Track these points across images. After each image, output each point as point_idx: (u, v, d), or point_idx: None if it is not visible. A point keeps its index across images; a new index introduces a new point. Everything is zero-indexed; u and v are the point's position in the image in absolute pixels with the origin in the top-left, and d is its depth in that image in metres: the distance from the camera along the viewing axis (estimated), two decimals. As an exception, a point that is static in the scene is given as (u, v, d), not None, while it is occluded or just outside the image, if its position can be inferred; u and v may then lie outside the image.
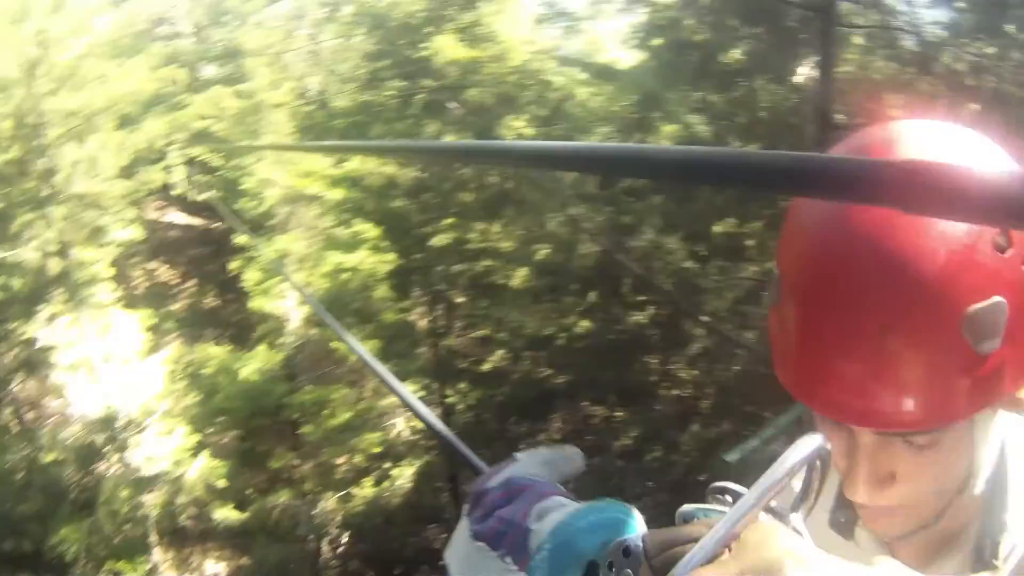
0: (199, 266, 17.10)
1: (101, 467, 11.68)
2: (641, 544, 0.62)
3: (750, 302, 8.26)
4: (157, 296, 16.25)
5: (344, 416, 10.74)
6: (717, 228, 8.84)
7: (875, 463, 0.77)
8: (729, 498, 0.66)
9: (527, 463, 0.81)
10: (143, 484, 11.56)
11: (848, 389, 0.72)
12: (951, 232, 0.67)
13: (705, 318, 8.08)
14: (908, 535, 0.85)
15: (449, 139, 9.26)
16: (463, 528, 0.75)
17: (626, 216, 8.89)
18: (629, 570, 0.62)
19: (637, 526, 0.67)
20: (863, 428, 0.76)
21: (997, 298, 0.68)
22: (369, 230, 11.10)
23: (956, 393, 0.70)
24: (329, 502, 11.11)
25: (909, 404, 0.71)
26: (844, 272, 0.70)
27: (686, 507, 0.67)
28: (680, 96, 7.76)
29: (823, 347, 0.73)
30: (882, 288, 0.68)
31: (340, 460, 11.05)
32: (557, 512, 0.68)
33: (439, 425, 1.50)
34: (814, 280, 0.73)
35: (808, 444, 0.61)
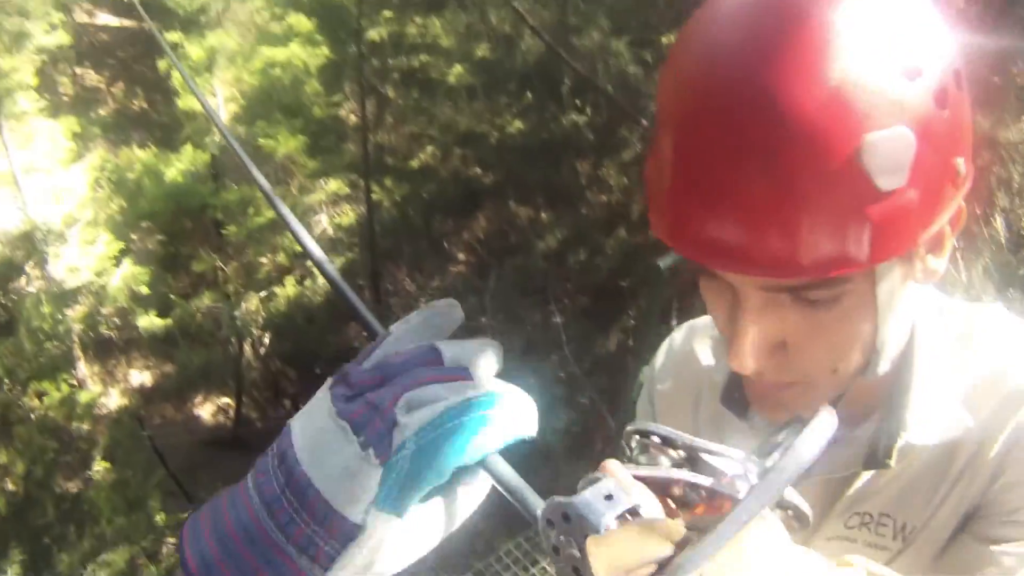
0: (128, 68, 16.29)
1: (21, 284, 11.36)
2: (587, 515, 0.49)
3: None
4: (83, 102, 15.62)
5: (268, 214, 10.49)
6: (666, 39, 8.54)
7: (763, 326, 0.68)
8: (658, 439, 0.58)
9: (403, 337, 0.66)
10: (65, 298, 11.37)
11: (728, 229, 0.62)
12: (851, 49, 0.59)
13: (644, 122, 7.89)
14: None
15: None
16: (323, 401, 0.62)
17: (574, 16, 8.51)
18: (572, 541, 0.49)
19: (527, 428, 0.57)
20: (748, 280, 0.66)
21: (902, 128, 0.60)
22: (303, 23, 10.56)
23: (854, 234, 0.61)
24: (251, 303, 11.02)
25: (800, 245, 0.61)
26: (725, 91, 0.61)
27: (633, 427, 0.60)
28: None
29: (700, 180, 0.63)
30: (767, 108, 0.59)
31: (263, 260, 10.88)
32: (429, 408, 0.56)
33: (339, 280, 1.29)
34: (691, 103, 0.64)
35: (826, 424, 0.55)
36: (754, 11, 0.63)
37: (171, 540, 10.85)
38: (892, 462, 0.77)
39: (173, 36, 12.66)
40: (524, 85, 8.70)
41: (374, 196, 9.11)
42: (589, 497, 0.50)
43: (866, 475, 0.81)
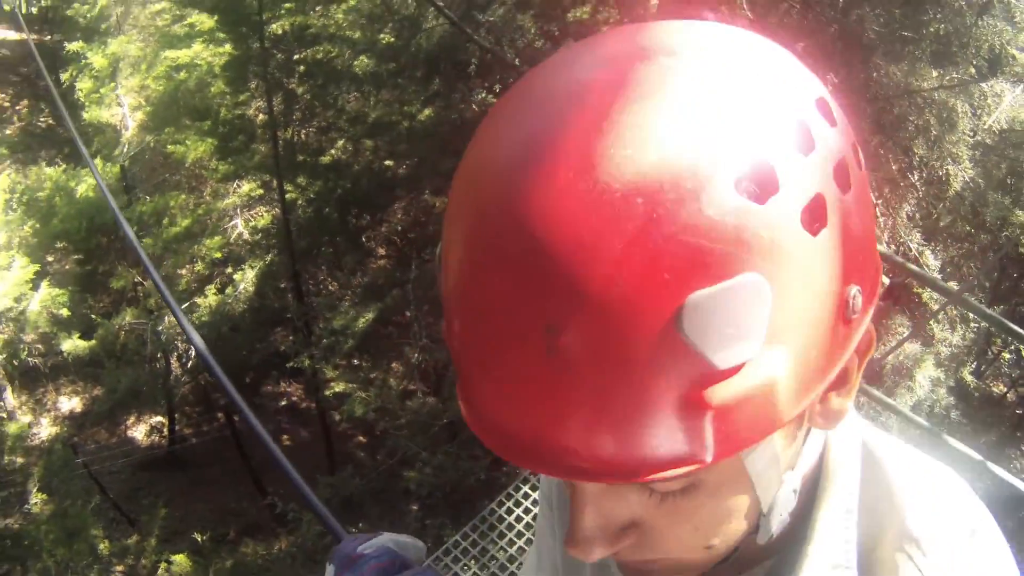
0: (32, 84, 15.75)
1: None
2: None
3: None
4: (-12, 121, 15.07)
5: (184, 223, 10.16)
6: (571, 14, 8.47)
7: (603, 513, 0.54)
8: None
9: (392, 537, 0.81)
10: None
11: (519, 421, 0.47)
12: (663, 163, 0.41)
13: None
14: None
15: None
16: None
17: None
18: None
19: None
20: None
21: (746, 277, 0.42)
22: (204, 21, 10.24)
23: (686, 428, 0.45)
24: (173, 317, 10.67)
25: (608, 447, 0.45)
26: (491, 237, 0.45)
27: None
28: None
29: (481, 358, 0.49)
30: (542, 262, 0.43)
31: (182, 271, 10.54)
32: None
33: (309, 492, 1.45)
34: (462, 246, 0.48)
35: None
36: (527, 116, 0.47)
37: (118, 568, 10.57)
38: None
39: (75, 46, 12.28)
40: (431, 69, 8.53)
41: (288, 195, 8.85)
42: None
43: None
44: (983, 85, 5.31)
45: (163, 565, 9.99)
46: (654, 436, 0.45)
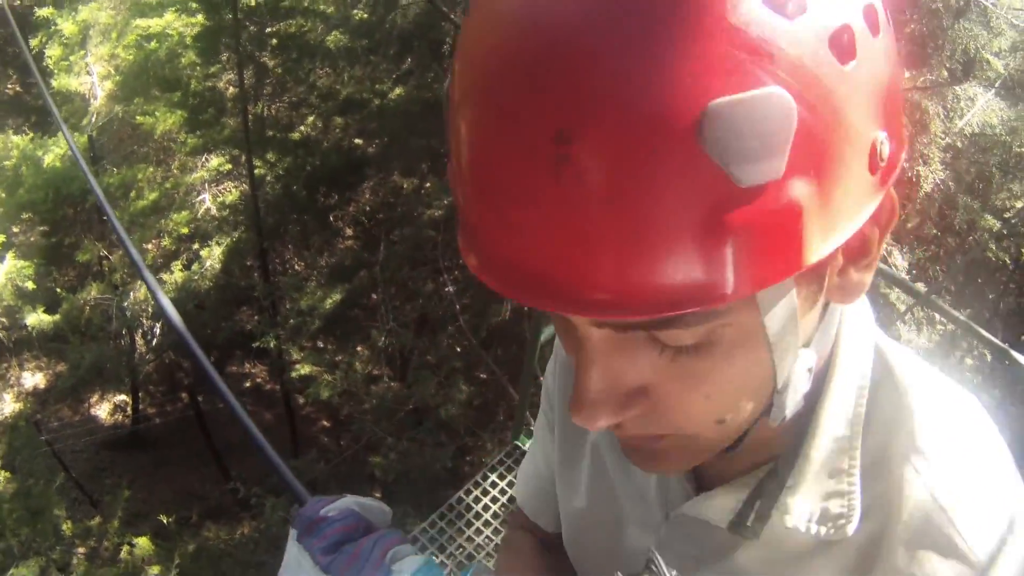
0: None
1: None
2: None
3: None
4: (-49, 88, 14.75)
5: (151, 197, 9.94)
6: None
7: (611, 374, 0.50)
8: None
9: (356, 500, 0.82)
10: None
11: (527, 250, 0.43)
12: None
13: None
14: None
15: None
16: (302, 557, 0.74)
17: None
18: None
19: None
20: (577, 317, 0.48)
21: (772, 89, 0.40)
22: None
23: (705, 255, 0.41)
24: (140, 292, 10.47)
25: (623, 274, 0.42)
26: (514, 51, 0.42)
27: None
28: None
29: (485, 176, 0.45)
30: (560, 68, 0.40)
31: (149, 246, 10.34)
32: (412, 559, 0.68)
33: (272, 453, 1.41)
34: (479, 68, 0.45)
35: None
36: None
37: (80, 550, 10.47)
38: (759, 536, 0.63)
39: (45, 12, 11.99)
40: (405, 48, 8.37)
41: (257, 171, 8.67)
42: None
43: (751, 541, 0.65)
44: (956, 88, 5.27)
45: (125, 548, 9.89)
46: (671, 264, 0.42)
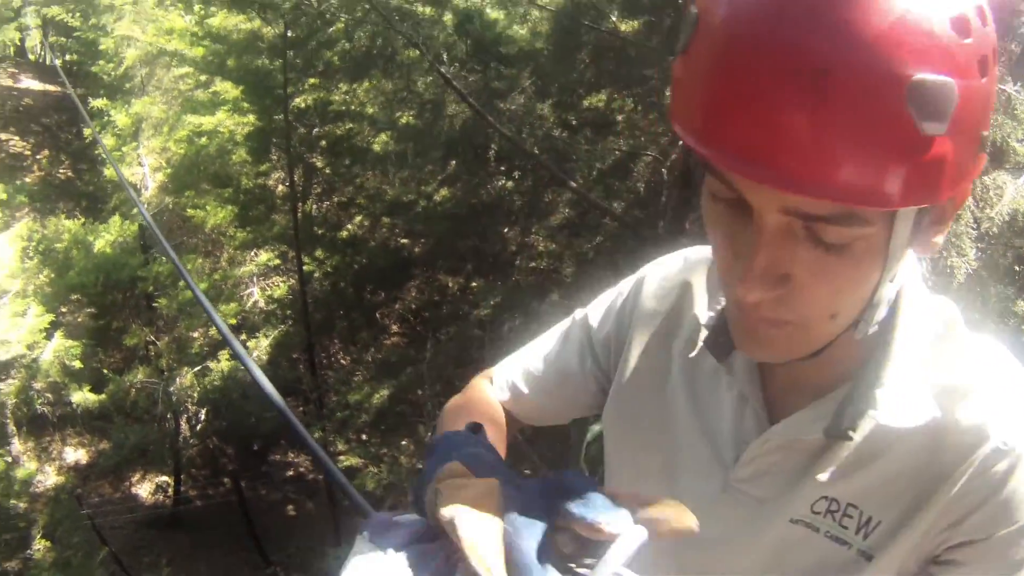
0: (53, 136, 15.96)
1: None
2: None
3: (616, 175, 8.11)
4: (8, 169, 15.37)
5: (200, 287, 10.21)
6: (587, 101, 8.65)
7: (773, 255, 0.65)
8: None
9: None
10: None
11: (766, 136, 0.59)
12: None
13: (573, 184, 7.90)
14: (783, 364, 0.78)
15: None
16: (376, 550, 0.69)
17: (498, 81, 8.54)
18: None
19: None
20: (769, 198, 0.64)
21: (947, 78, 0.59)
22: (229, 90, 10.42)
23: (890, 171, 0.60)
24: (186, 378, 10.70)
25: (835, 168, 0.59)
26: (785, 5, 0.60)
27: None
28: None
29: (744, 85, 0.61)
30: (826, 27, 0.58)
31: (196, 334, 10.57)
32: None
33: (327, 460, 1.73)
34: (746, 10, 0.62)
35: (634, 538, 0.58)
36: None
37: None
38: (855, 434, 0.75)
39: (99, 103, 12.45)
40: (451, 152, 8.65)
41: (305, 267, 8.92)
42: None
43: (833, 452, 0.78)
44: (985, 178, 5.37)
45: None
46: (868, 171, 0.59)
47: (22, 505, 11.24)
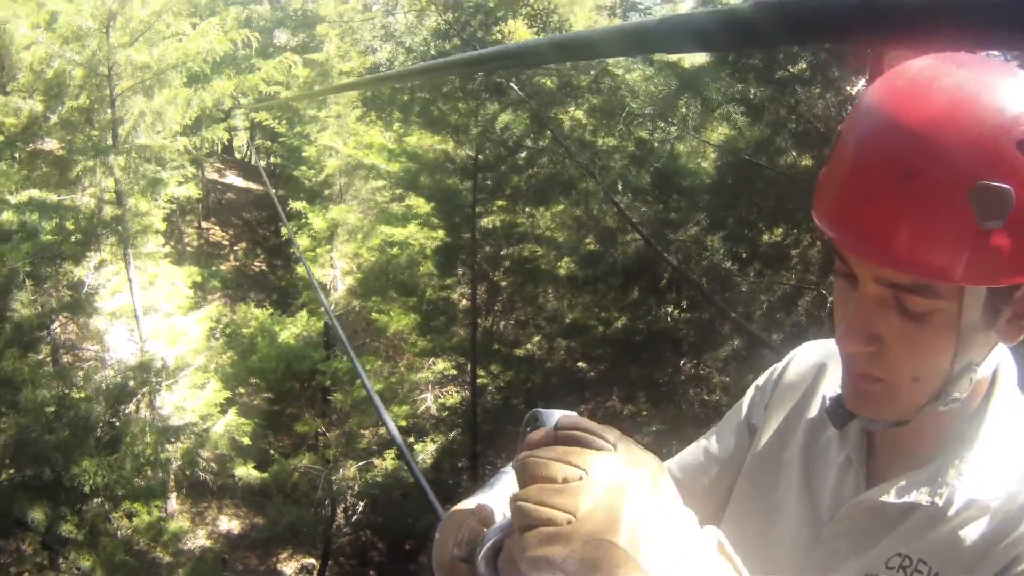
0: (251, 230, 17.43)
1: (130, 410, 11.78)
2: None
3: (784, 310, 8.19)
4: (206, 255, 16.72)
5: (376, 387, 10.84)
6: (765, 237, 8.80)
7: (868, 316, 0.82)
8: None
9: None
10: (168, 432, 11.64)
11: (869, 225, 0.78)
12: (982, 112, 0.75)
13: (733, 315, 8.01)
14: (886, 429, 0.91)
15: (507, 118, 9.31)
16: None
17: (673, 212, 8.87)
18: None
19: None
20: (868, 270, 0.81)
21: (1007, 185, 0.74)
22: (421, 205, 11.25)
23: (955, 255, 0.75)
24: (349, 470, 11.21)
25: (914, 249, 0.76)
26: (886, 123, 0.78)
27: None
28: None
29: (856, 183, 0.80)
30: (914, 140, 0.75)
31: (365, 431, 11.13)
32: None
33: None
34: (859, 130, 0.81)
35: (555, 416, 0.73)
36: (919, 89, 0.79)
37: None
38: (940, 501, 0.86)
39: (298, 205, 13.54)
40: (627, 279, 8.95)
41: (479, 380, 9.36)
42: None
43: (915, 516, 0.89)
44: None
45: None
46: (936, 252, 0.75)
47: (167, 558, 11.40)
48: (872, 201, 0.78)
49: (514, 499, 0.63)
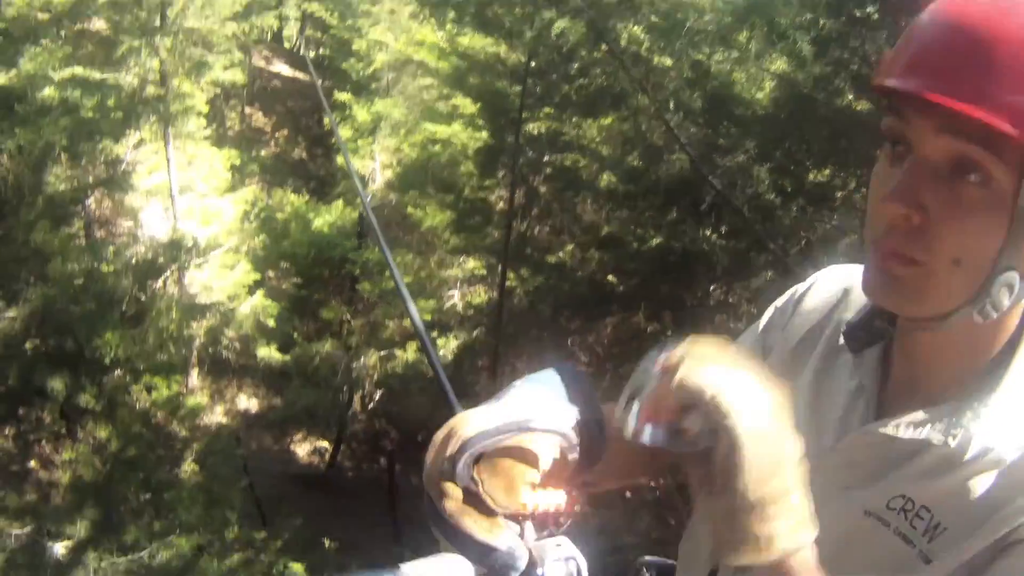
0: (294, 118, 17.42)
1: (158, 287, 11.78)
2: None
3: (823, 249, 8.18)
4: (247, 140, 16.74)
5: (404, 279, 10.93)
6: (812, 176, 8.71)
7: (918, 183, 0.74)
8: None
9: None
10: (194, 310, 11.81)
11: (948, 60, 0.72)
12: None
13: (771, 246, 7.98)
14: (911, 332, 0.85)
15: (563, 24, 9.16)
16: None
17: (722, 137, 8.77)
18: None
19: None
20: (932, 122, 0.74)
21: None
22: (467, 106, 11.18)
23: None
24: (371, 359, 11.43)
25: (991, 96, 0.70)
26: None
27: None
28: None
29: (940, 27, 0.75)
30: (1010, 14, 0.71)
31: (389, 321, 11.32)
32: None
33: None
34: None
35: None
36: None
37: (236, 555, 10.36)
38: (953, 442, 0.79)
39: (343, 96, 13.48)
40: (670, 199, 8.92)
41: (508, 282, 9.44)
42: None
43: (924, 457, 0.82)
44: None
45: (279, 567, 9.95)
46: (1011, 103, 0.69)
47: (183, 432, 11.72)
48: (957, 48, 0.72)
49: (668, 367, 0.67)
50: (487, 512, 0.72)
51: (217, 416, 14.00)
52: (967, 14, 0.73)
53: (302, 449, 14.53)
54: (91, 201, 12.49)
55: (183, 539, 9.27)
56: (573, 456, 0.78)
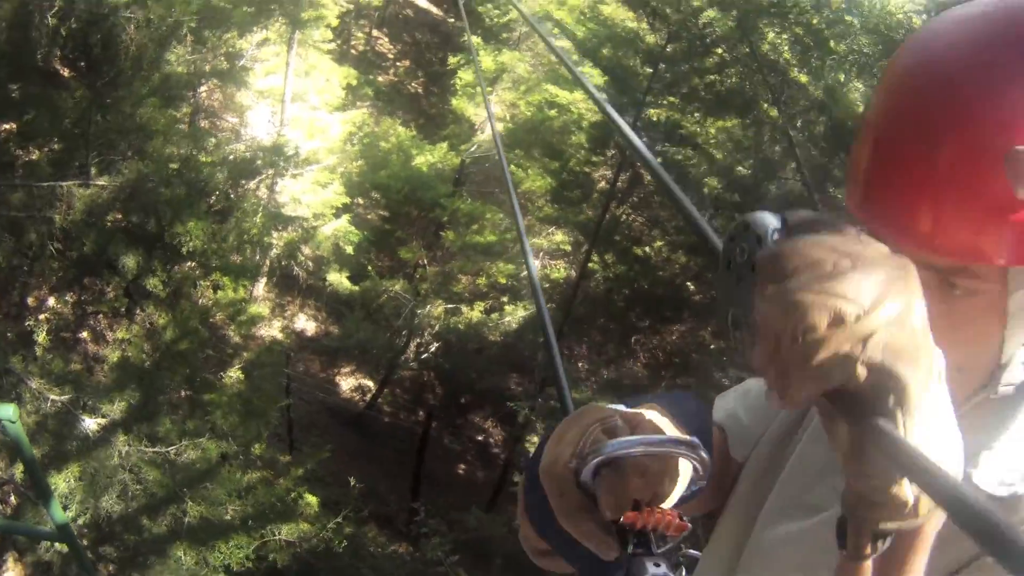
0: (419, 51, 17.22)
1: (249, 187, 11.71)
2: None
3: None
4: (367, 62, 16.71)
5: (489, 237, 10.67)
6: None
7: None
8: None
9: None
10: (278, 220, 11.80)
11: (896, 208, 0.72)
12: (1008, 75, 0.68)
13: None
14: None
15: (712, 15, 8.60)
16: None
17: (838, 168, 8.31)
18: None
19: None
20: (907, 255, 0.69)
21: None
22: (595, 76, 10.73)
23: (990, 232, 0.68)
24: (436, 309, 11.22)
25: (945, 229, 0.70)
26: (909, 92, 0.72)
27: None
28: None
29: (882, 163, 0.74)
30: (940, 106, 0.69)
31: (463, 276, 11.05)
32: None
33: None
34: (884, 102, 0.75)
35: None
36: (940, 48, 0.73)
37: (256, 474, 10.38)
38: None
39: (473, 40, 13.24)
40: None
41: (591, 264, 9.02)
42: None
43: None
44: None
45: (296, 494, 9.90)
46: (974, 231, 0.68)
47: (237, 338, 11.61)
48: (894, 186, 0.73)
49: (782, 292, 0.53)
50: (595, 517, 0.67)
51: (273, 330, 14.05)
52: (898, 158, 0.73)
53: (346, 383, 14.56)
54: (203, 89, 12.56)
55: (212, 443, 9.27)
56: (701, 484, 0.74)
